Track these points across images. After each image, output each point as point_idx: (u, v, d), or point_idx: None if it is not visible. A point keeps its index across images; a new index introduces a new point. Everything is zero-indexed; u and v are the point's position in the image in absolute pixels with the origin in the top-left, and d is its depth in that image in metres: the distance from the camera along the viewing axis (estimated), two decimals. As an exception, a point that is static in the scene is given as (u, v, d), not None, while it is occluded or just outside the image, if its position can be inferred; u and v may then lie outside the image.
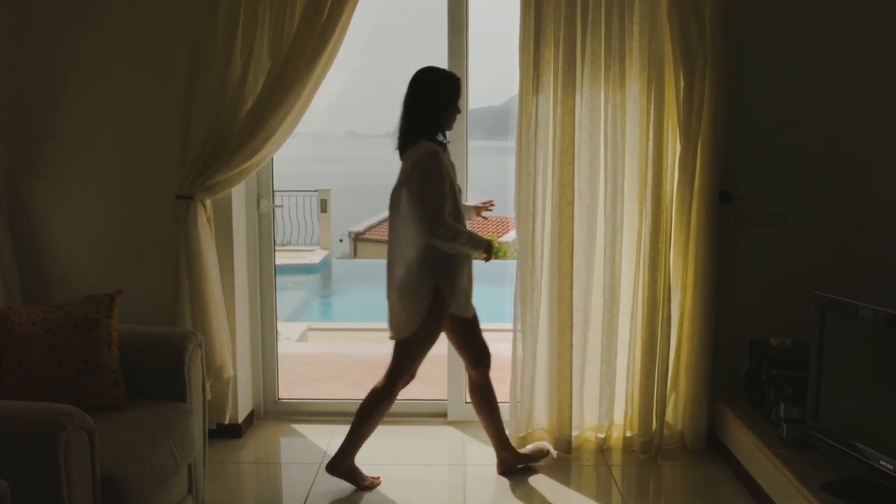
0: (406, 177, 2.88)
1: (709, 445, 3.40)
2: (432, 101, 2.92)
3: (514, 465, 3.22)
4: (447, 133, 2.99)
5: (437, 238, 2.84)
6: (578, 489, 3.11)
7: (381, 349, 5.89)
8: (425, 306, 2.91)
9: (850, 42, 3.28)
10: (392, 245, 2.97)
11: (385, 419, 3.71)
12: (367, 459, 3.30)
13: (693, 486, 3.19)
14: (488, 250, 2.97)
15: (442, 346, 3.79)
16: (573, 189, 3.24)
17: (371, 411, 3.05)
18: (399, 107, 2.94)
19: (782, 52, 3.30)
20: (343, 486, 3.11)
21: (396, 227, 2.95)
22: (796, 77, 3.32)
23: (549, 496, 3.04)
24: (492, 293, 5.62)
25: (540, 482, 3.14)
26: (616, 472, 3.26)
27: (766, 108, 3.35)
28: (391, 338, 3.04)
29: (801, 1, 3.29)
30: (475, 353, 3.12)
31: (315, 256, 11.16)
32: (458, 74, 3.46)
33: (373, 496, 3.04)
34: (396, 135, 2.96)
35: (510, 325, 3.34)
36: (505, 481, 3.16)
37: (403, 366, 3.02)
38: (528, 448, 3.36)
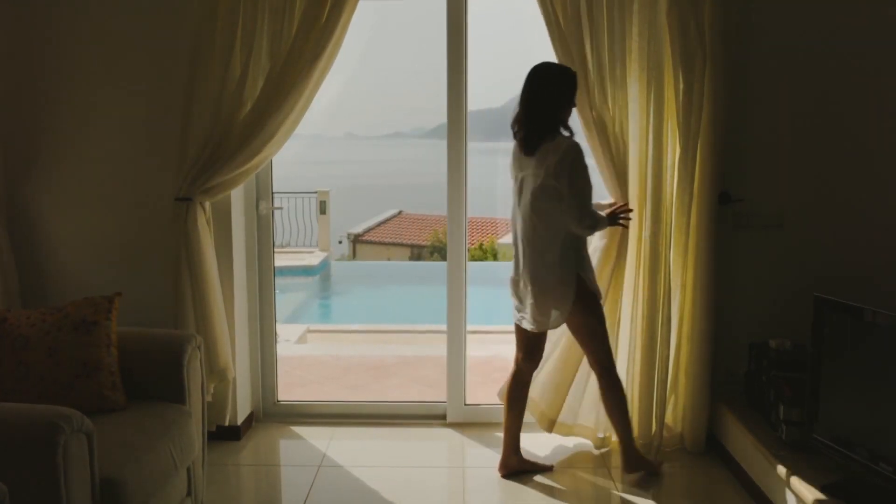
0: (553, 171, 2.87)
1: (708, 447, 3.39)
2: (554, 96, 2.93)
3: (516, 470, 3.22)
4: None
5: (585, 228, 2.92)
6: (578, 491, 3.11)
7: (381, 351, 5.92)
8: (571, 300, 2.95)
9: (849, 42, 3.28)
10: (526, 242, 2.97)
11: (383, 421, 3.73)
12: (365, 461, 3.30)
13: (693, 488, 3.19)
14: (613, 222, 3.10)
15: (441, 348, 3.79)
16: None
17: (617, 405, 3.11)
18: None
19: (782, 53, 3.30)
20: (341, 488, 3.10)
21: (530, 225, 2.95)
22: (796, 78, 3.32)
23: (548, 498, 3.03)
24: (491, 294, 5.62)
25: (540, 484, 3.13)
26: (616, 474, 3.26)
27: (765, 109, 3.34)
28: (533, 330, 3.06)
29: (800, 1, 3.29)
30: (539, 350, 3.16)
31: (314, 258, 11.14)
32: (457, 76, 3.49)
33: (372, 498, 3.03)
34: (519, 132, 2.99)
35: (510, 327, 3.32)
36: (505, 483, 3.16)
37: (601, 355, 3.07)
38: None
